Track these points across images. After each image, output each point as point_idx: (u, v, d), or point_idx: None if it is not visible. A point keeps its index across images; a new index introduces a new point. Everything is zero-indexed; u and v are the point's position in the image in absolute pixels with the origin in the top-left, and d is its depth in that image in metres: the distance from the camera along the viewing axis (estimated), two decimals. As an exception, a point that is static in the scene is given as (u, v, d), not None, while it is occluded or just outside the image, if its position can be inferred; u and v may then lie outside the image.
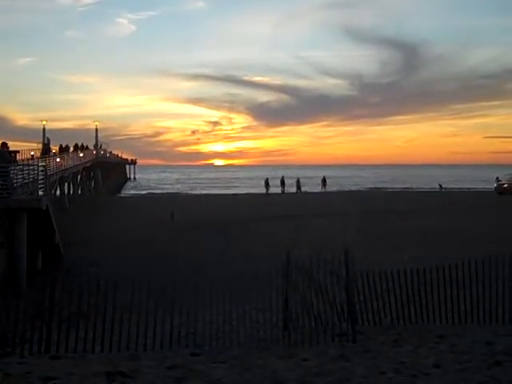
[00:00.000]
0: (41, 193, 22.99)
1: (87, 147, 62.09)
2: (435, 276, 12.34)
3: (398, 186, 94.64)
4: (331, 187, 77.60)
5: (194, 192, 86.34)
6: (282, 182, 68.89)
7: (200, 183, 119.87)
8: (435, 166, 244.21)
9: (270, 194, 65.69)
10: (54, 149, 44.46)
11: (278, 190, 68.04)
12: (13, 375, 8.03)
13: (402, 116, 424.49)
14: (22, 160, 28.36)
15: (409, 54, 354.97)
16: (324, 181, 72.89)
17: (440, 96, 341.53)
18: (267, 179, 69.33)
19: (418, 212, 40.43)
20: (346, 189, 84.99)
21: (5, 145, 22.67)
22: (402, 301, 12.32)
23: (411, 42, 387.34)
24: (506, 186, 58.01)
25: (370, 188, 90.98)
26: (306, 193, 68.71)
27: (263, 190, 68.34)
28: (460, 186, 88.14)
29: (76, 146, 54.80)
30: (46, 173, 25.10)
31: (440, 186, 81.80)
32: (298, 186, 69.92)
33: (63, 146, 48.10)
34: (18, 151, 27.94)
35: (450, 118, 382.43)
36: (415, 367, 8.33)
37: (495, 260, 12.29)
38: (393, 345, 10.28)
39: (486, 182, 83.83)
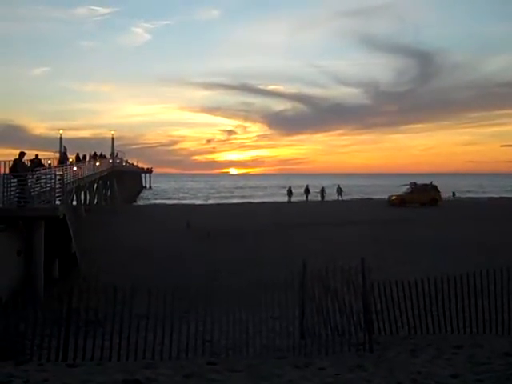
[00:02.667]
0: (58, 201, 23.12)
1: (104, 156, 62.59)
2: (453, 285, 12.25)
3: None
4: (347, 196, 77.39)
5: (210, 201, 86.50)
6: (307, 191, 68.99)
7: (217, 192, 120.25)
8: (452, 174, 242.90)
9: (294, 202, 65.75)
10: (71, 157, 44.85)
11: (301, 199, 68.29)
12: (30, 382, 8.08)
13: (418, 124, 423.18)
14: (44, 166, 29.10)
15: (425, 62, 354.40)
16: (339, 189, 72.69)
17: (456, 104, 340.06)
18: (290, 188, 69.61)
19: (430, 221, 40.24)
20: (363, 197, 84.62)
21: (23, 154, 22.91)
22: (419, 310, 12.25)
23: (427, 50, 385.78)
24: (394, 198, 58.02)
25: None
26: (328, 201, 68.51)
27: (284, 198, 68.71)
28: (474, 196, 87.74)
29: (95, 155, 55.41)
30: (63, 181, 25.28)
31: (453, 193, 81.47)
32: (322, 195, 69.83)
33: (80, 155, 48.52)
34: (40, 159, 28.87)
35: (466, 126, 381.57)
36: (432, 377, 8.26)
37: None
38: (410, 355, 10.20)
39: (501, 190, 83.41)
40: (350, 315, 11.60)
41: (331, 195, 72.75)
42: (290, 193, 68.21)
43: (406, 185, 60.66)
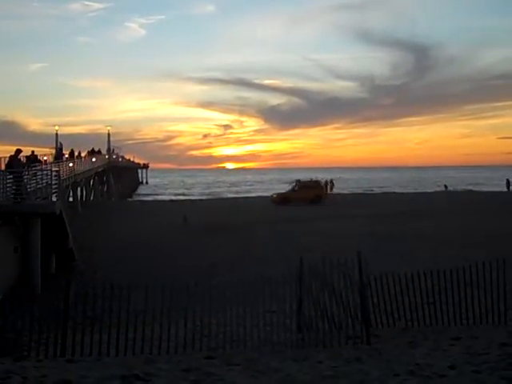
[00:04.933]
0: (54, 198, 23.10)
1: (100, 152, 62.50)
2: (449, 278, 12.29)
3: (409, 187, 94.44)
4: (343, 189, 77.36)
5: (207, 196, 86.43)
6: None
7: (214, 186, 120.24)
8: (448, 167, 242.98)
9: None
10: (67, 153, 44.72)
11: None
12: (29, 378, 8.08)
13: (414, 118, 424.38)
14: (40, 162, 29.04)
15: (420, 55, 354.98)
16: (331, 182, 72.02)
17: (452, 97, 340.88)
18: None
19: (429, 213, 40.33)
20: (358, 191, 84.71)
21: (19, 151, 22.88)
22: (416, 303, 12.29)
23: (423, 43, 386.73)
24: (275, 196, 57.15)
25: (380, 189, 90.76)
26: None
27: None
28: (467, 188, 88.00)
29: (92, 151, 55.37)
30: (60, 178, 25.25)
31: (445, 186, 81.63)
32: (330, 188, 69.59)
33: (73, 152, 48.29)
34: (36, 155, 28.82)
35: (462, 119, 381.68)
36: (430, 369, 8.27)
37: (510, 261, 12.23)
38: (407, 347, 10.23)
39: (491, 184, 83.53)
40: (347, 308, 11.63)
41: None
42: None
43: (293, 182, 59.65)
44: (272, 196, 57.98)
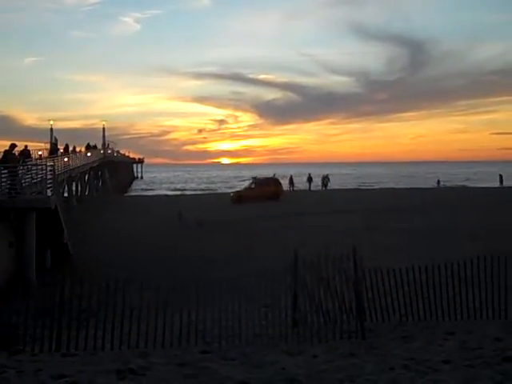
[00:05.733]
0: (49, 192, 23.07)
1: (96, 146, 62.56)
2: (443, 273, 12.34)
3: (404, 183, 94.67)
4: (337, 186, 77.44)
5: (202, 191, 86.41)
6: (310, 179, 68.73)
7: (209, 182, 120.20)
8: (443, 163, 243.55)
9: (296, 191, 65.63)
10: (61, 148, 44.63)
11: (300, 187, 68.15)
12: (24, 373, 8.08)
13: (409, 113, 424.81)
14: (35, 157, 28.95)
15: (415, 50, 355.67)
16: (326, 178, 71.83)
17: (447, 92, 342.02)
18: (291, 176, 68.93)
19: (425, 209, 40.40)
20: (351, 187, 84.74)
21: (14, 146, 22.84)
22: (410, 297, 12.33)
23: (418, 38, 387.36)
24: (232, 195, 54.48)
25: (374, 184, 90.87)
26: (328, 190, 68.12)
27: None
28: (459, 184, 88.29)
29: (89, 146, 55.43)
30: (54, 172, 25.21)
31: (438, 182, 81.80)
32: (324, 184, 69.59)
33: (68, 146, 48.19)
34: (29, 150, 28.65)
35: (457, 114, 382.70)
36: (424, 363, 8.31)
37: (504, 257, 12.29)
38: (402, 341, 10.27)
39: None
40: (342, 303, 11.66)
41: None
42: (291, 181, 67.93)
43: (249, 179, 58.27)
44: (230, 195, 55.21)
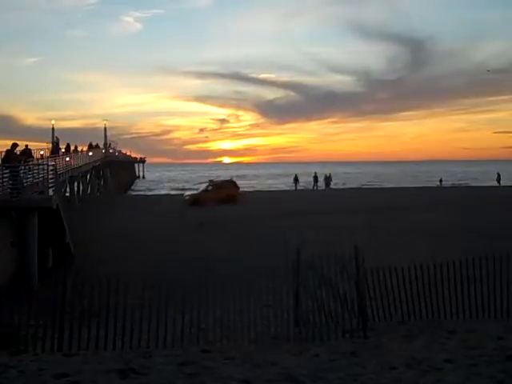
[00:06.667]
0: (51, 192, 23.09)
1: (98, 146, 62.68)
2: (445, 271, 12.32)
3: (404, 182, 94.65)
4: (340, 185, 77.40)
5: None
6: (315, 179, 68.45)
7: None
8: (445, 161, 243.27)
9: (300, 189, 65.55)
10: (63, 148, 44.60)
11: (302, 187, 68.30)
12: (26, 372, 8.09)
13: (411, 112, 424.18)
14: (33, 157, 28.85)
15: (416, 49, 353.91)
16: (329, 177, 71.83)
17: (448, 91, 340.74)
18: (296, 176, 69.15)
19: (427, 208, 40.35)
20: (355, 186, 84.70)
21: (15, 145, 22.85)
22: (412, 296, 12.31)
23: (419, 37, 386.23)
24: (187, 198, 51.39)
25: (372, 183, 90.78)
26: (332, 189, 68.02)
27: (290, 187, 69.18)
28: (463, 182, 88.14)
29: (91, 145, 55.58)
30: (56, 172, 25.23)
31: (440, 180, 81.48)
32: (327, 183, 69.39)
33: (69, 146, 48.16)
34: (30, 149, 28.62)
35: (458, 113, 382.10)
36: (427, 362, 8.32)
37: (506, 256, 12.27)
38: (404, 340, 10.27)
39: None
40: (344, 302, 11.65)
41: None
42: (296, 180, 68.19)
43: (205, 182, 57.12)
44: (185, 198, 52.35)
